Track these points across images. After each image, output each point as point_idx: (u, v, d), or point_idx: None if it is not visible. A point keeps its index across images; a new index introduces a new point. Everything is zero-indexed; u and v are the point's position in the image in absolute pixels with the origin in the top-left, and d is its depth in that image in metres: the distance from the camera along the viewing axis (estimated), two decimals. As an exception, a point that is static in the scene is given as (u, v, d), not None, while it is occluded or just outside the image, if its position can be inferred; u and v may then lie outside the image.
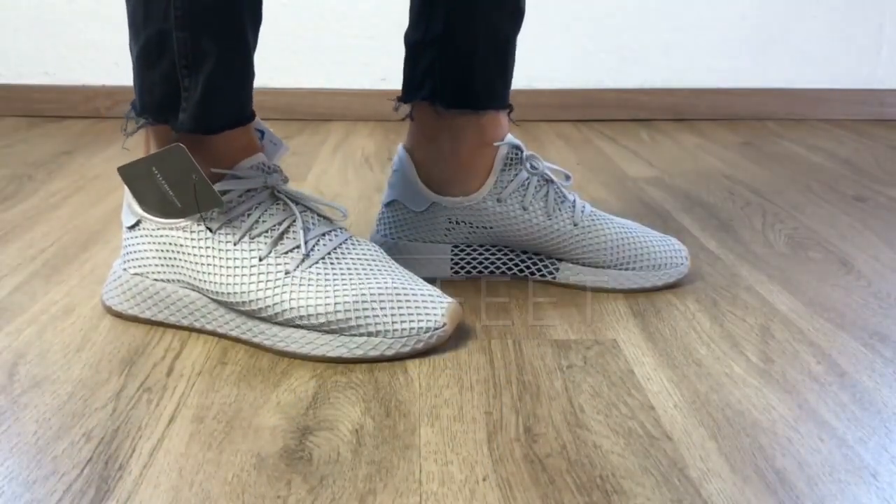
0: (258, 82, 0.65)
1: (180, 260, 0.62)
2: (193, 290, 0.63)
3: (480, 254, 0.74)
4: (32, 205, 0.98)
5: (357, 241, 0.65)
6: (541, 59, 1.57)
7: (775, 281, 0.75)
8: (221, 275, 0.61)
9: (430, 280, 0.67)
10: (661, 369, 0.58)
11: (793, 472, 0.46)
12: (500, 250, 0.74)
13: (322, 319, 0.58)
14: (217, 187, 0.61)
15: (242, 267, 0.60)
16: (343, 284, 0.60)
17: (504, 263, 0.74)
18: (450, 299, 0.61)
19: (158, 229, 0.63)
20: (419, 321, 0.59)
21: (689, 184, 1.11)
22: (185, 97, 0.60)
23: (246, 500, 0.43)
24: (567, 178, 0.75)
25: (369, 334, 0.59)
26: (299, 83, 1.57)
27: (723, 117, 1.62)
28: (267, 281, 0.60)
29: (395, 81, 0.73)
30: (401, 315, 0.59)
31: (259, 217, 0.61)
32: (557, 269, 0.73)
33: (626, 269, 0.71)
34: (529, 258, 0.74)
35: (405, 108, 0.74)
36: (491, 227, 0.72)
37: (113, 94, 1.58)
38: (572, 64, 1.59)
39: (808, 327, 0.65)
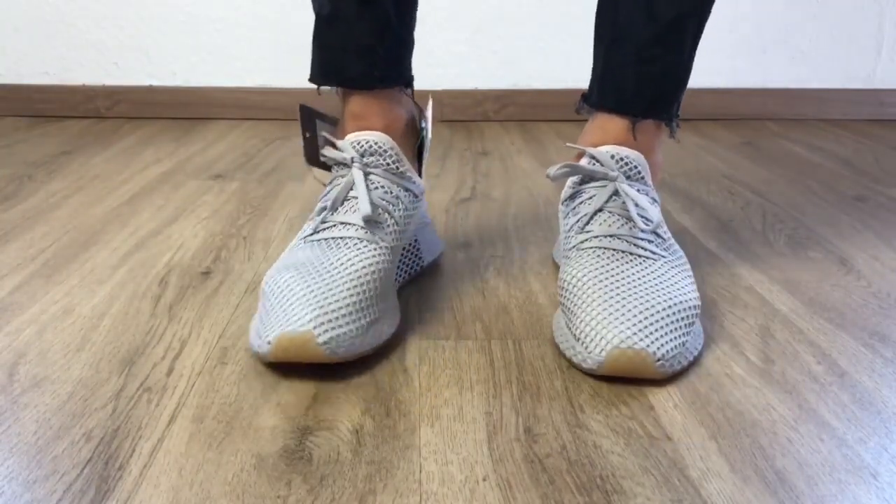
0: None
1: None
2: None
3: None
4: (32, 205, 0.98)
5: (365, 246, 0.61)
6: (541, 59, 1.57)
7: (775, 281, 0.75)
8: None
9: None
10: (661, 369, 0.58)
11: (793, 472, 0.46)
12: None
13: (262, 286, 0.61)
14: (325, 151, 0.66)
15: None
16: (287, 269, 0.59)
17: None
18: (302, 331, 0.53)
19: None
20: (263, 328, 0.55)
21: (689, 184, 1.11)
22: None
23: (246, 500, 0.43)
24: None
25: (261, 318, 0.58)
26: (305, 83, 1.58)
27: (723, 117, 1.62)
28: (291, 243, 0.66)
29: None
30: (266, 315, 0.57)
31: (330, 189, 0.65)
32: None
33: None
34: None
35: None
36: None
37: (113, 94, 1.58)
38: (572, 64, 1.59)
39: (808, 327, 0.65)
